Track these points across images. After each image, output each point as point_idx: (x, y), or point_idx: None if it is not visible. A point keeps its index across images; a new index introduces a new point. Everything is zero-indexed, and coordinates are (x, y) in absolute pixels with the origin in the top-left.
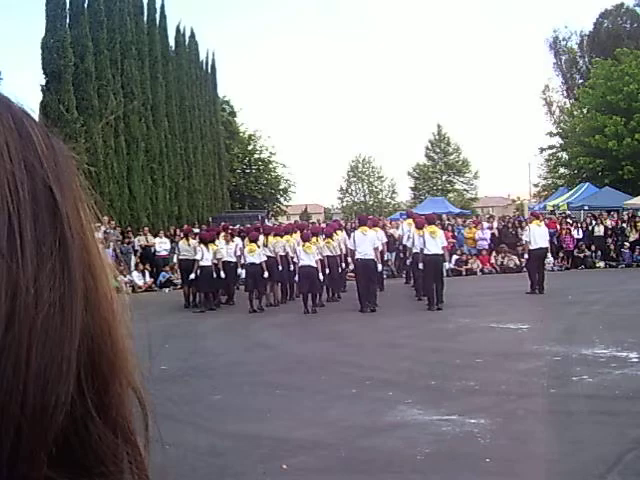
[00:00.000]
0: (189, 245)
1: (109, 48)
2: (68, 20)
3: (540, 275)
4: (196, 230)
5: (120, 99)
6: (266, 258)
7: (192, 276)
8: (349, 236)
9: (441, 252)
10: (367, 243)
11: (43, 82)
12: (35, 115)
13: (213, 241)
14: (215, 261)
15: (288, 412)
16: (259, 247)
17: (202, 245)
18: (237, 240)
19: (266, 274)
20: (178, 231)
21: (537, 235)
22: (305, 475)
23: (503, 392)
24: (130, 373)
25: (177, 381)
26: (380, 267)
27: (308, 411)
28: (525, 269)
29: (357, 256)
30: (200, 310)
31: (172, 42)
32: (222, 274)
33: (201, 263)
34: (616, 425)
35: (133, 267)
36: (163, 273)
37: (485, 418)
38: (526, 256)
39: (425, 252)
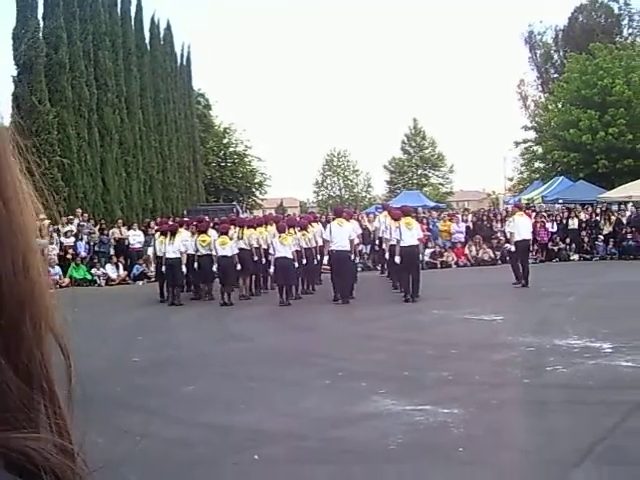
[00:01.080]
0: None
1: (82, 39)
2: (42, 10)
3: (524, 267)
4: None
5: (94, 91)
6: (238, 251)
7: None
8: (325, 228)
9: (417, 243)
10: (343, 235)
11: (14, 73)
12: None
13: (174, 234)
14: (179, 255)
15: (261, 403)
16: (231, 239)
17: (165, 238)
18: (212, 233)
19: (238, 266)
20: (152, 224)
21: (521, 227)
22: (277, 465)
23: (477, 382)
24: (49, 316)
25: (149, 372)
26: (354, 258)
27: (281, 402)
28: (499, 262)
29: (332, 247)
30: (170, 303)
31: (147, 34)
32: (184, 268)
33: (167, 256)
34: (589, 415)
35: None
36: (137, 266)
37: (459, 408)
38: (510, 247)
39: (402, 244)
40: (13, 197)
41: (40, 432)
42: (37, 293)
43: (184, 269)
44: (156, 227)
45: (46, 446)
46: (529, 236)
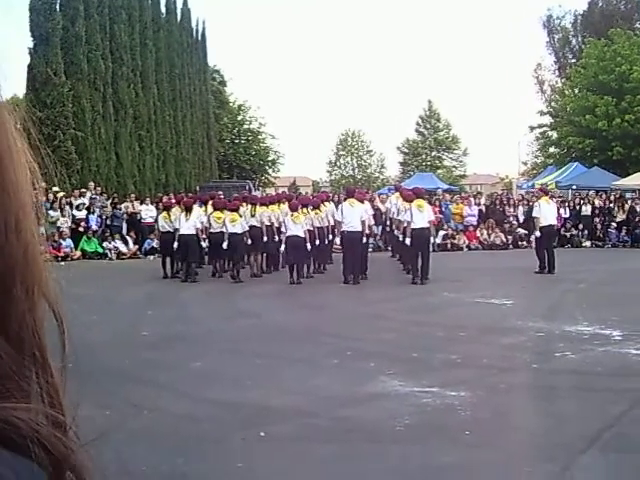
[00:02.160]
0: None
1: (98, 12)
2: None
3: (550, 253)
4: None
5: (109, 64)
6: (248, 228)
7: (175, 245)
8: (337, 208)
9: (427, 226)
10: (355, 215)
11: (31, 45)
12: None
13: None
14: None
15: (268, 380)
16: (241, 216)
17: (181, 213)
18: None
19: (249, 242)
20: (165, 199)
21: (547, 212)
22: (283, 443)
23: (485, 366)
24: (42, 280)
25: (158, 347)
26: (365, 240)
27: (289, 380)
28: (511, 246)
29: (344, 228)
30: (183, 279)
31: (163, 9)
32: (203, 244)
33: (182, 232)
34: (597, 401)
35: (126, 232)
36: (148, 240)
37: (466, 391)
38: (536, 232)
39: (412, 226)
40: (5, 154)
41: (31, 402)
42: (30, 256)
43: (203, 244)
44: (164, 202)
45: (36, 417)
46: (555, 221)
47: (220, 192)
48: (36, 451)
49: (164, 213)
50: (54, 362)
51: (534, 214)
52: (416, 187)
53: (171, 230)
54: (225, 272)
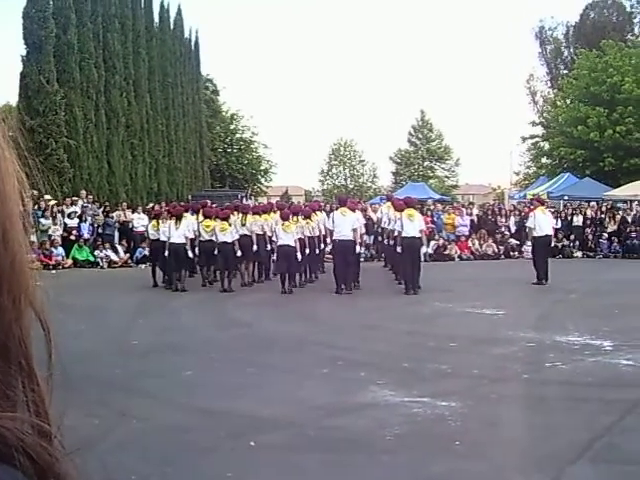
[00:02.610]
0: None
1: (91, 21)
2: None
3: (545, 264)
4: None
5: (102, 73)
6: (238, 237)
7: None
8: (328, 217)
9: (419, 235)
10: (346, 224)
11: (24, 52)
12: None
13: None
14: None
15: (259, 390)
16: (230, 225)
17: (170, 222)
18: (189, 217)
19: (239, 253)
20: (157, 207)
21: (542, 222)
22: (273, 452)
23: (476, 376)
24: (29, 289)
25: (148, 356)
26: (358, 249)
27: (278, 389)
28: (503, 256)
29: (335, 237)
30: (174, 289)
31: (156, 17)
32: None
33: (172, 240)
34: (588, 412)
35: (117, 240)
36: (140, 249)
37: (457, 401)
38: (529, 244)
39: (403, 235)
40: None
41: (17, 411)
42: (17, 265)
43: (190, 254)
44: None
45: (22, 426)
46: (551, 231)
47: (211, 201)
48: (21, 460)
49: (153, 221)
50: (40, 371)
51: (528, 224)
52: (407, 196)
53: (160, 239)
54: (216, 281)
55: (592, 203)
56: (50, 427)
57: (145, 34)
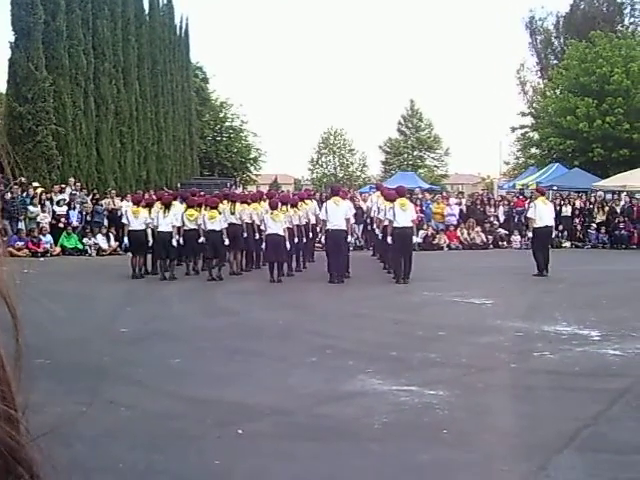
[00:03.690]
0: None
1: (81, 7)
2: None
3: (545, 255)
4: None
5: (91, 60)
6: (227, 225)
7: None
8: (319, 206)
9: (410, 225)
10: (339, 214)
11: (12, 39)
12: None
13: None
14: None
15: (247, 378)
16: (220, 214)
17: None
18: (178, 205)
19: (227, 241)
20: (146, 196)
21: (543, 212)
22: (260, 440)
23: (464, 365)
24: None
25: (136, 344)
26: (350, 238)
27: (267, 377)
28: (491, 246)
29: (328, 226)
30: (161, 278)
31: (146, 4)
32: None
33: (160, 229)
34: (575, 401)
35: (105, 229)
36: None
37: (444, 390)
38: (530, 235)
39: (395, 225)
40: None
41: None
42: None
43: (174, 243)
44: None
45: None
46: (551, 222)
47: (200, 189)
48: None
49: (143, 209)
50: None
51: (529, 215)
52: (400, 186)
53: (143, 228)
54: (203, 270)
55: (581, 193)
56: (16, 412)
57: (135, 21)
